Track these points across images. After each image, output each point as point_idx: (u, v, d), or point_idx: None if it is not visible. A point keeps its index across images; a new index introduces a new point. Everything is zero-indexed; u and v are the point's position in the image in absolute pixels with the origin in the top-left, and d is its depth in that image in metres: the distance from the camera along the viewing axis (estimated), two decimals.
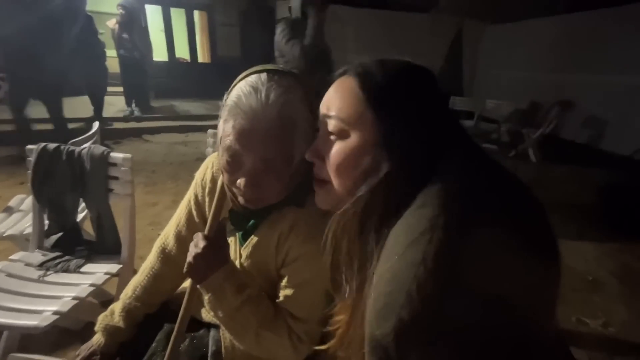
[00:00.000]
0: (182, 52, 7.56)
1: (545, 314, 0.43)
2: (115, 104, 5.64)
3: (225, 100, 0.59)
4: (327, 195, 0.55)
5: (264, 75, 0.57)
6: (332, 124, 0.51)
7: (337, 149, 0.50)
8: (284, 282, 0.69)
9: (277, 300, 0.69)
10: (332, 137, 0.52)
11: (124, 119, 5.10)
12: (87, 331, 1.49)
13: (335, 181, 0.52)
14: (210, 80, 7.10)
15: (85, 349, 0.77)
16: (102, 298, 1.58)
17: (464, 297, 0.37)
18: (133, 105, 5.35)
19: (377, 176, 0.46)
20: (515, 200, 0.45)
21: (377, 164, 0.46)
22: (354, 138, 0.49)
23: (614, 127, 4.55)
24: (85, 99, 4.86)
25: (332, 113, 0.51)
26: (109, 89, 5.07)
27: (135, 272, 1.48)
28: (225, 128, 0.57)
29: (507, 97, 5.25)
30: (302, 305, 0.67)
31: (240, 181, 0.59)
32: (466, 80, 6.75)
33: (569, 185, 3.64)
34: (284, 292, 0.68)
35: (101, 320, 0.78)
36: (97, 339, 0.77)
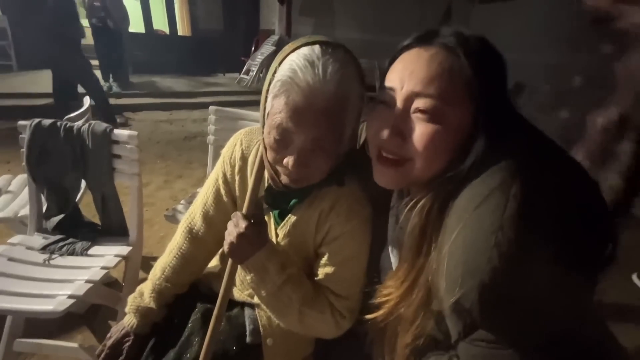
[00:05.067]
0: (160, 24, 7.11)
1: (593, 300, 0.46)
2: None
3: (273, 73, 0.56)
4: (403, 175, 0.53)
5: (317, 48, 0.54)
6: (425, 103, 0.48)
7: (432, 130, 0.48)
8: (324, 260, 0.69)
9: (316, 278, 0.70)
10: (419, 115, 0.49)
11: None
12: (90, 314, 1.47)
13: (422, 162, 0.50)
14: (192, 56, 6.77)
15: (116, 331, 0.75)
16: (104, 280, 1.54)
17: (538, 263, 0.39)
18: (111, 80, 5.03)
19: (476, 152, 0.46)
20: (573, 172, 0.47)
21: (470, 143, 0.46)
22: (451, 117, 0.48)
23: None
24: None
25: (428, 91, 0.48)
26: None
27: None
28: (276, 104, 0.54)
29: None
30: (344, 283, 0.68)
31: (288, 160, 0.57)
32: None
33: None
34: (324, 270, 0.69)
35: (131, 301, 0.76)
36: (129, 320, 0.75)
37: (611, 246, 0.44)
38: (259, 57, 5.88)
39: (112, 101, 4.68)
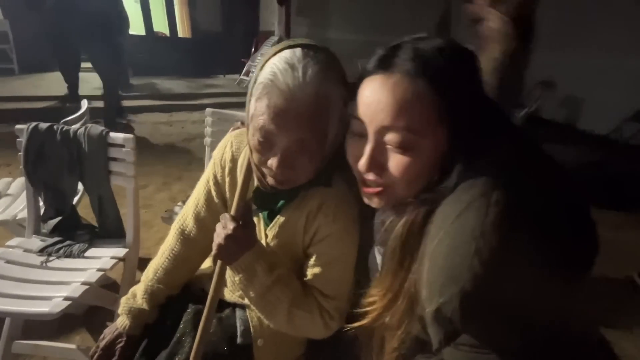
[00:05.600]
0: (160, 26, 7.13)
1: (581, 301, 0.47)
2: (90, 81, 5.28)
3: (256, 77, 0.57)
4: (388, 198, 0.54)
5: (298, 51, 0.55)
6: (396, 137, 0.47)
7: (407, 161, 0.48)
8: (312, 260, 0.69)
9: (305, 279, 0.70)
10: (391, 147, 0.49)
11: (102, 97, 4.82)
12: (89, 316, 1.48)
13: (402, 187, 0.51)
14: (192, 57, 6.79)
15: (109, 332, 0.76)
16: (102, 282, 1.55)
17: (519, 269, 0.40)
18: None
19: (457, 174, 0.46)
20: (556, 177, 0.47)
21: (447, 165, 0.47)
22: (424, 145, 0.47)
23: (591, 107, 4.73)
24: (58, 75, 4.56)
25: (397, 124, 0.47)
26: (82, 64, 4.75)
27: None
28: (258, 107, 0.55)
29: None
30: (332, 283, 0.69)
31: (272, 162, 0.57)
32: None
33: None
34: (312, 271, 0.69)
35: (124, 303, 0.77)
36: (122, 321, 0.76)
37: (594, 250, 0.45)
38: (259, 58, 5.88)
39: None
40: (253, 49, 6.42)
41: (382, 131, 0.49)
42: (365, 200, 0.57)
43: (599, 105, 4.60)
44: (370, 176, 0.52)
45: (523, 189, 0.42)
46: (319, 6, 5.84)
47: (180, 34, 7.33)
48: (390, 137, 0.48)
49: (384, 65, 0.50)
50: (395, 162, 0.49)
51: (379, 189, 0.53)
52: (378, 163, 0.51)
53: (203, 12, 7.17)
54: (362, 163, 0.52)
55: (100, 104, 4.59)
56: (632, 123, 4.21)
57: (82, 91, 4.64)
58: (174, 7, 7.04)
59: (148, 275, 0.80)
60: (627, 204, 2.81)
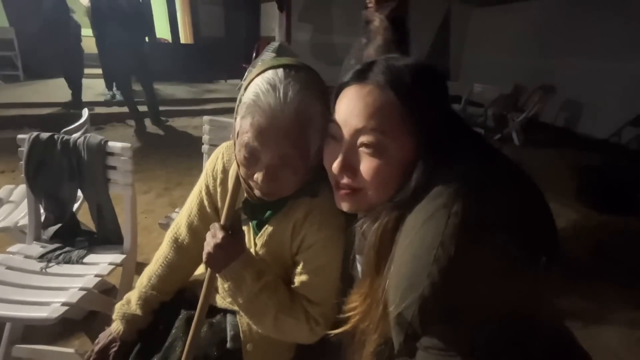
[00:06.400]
0: (163, 32, 7.23)
1: (546, 301, 0.49)
2: (94, 87, 5.40)
3: (241, 96, 0.60)
4: (359, 202, 0.57)
5: (280, 72, 0.58)
6: (369, 138, 0.51)
7: (377, 164, 0.51)
8: (299, 268, 0.72)
9: (292, 286, 0.73)
10: (364, 149, 0.52)
11: (106, 104, 4.90)
12: (88, 320, 1.50)
13: (373, 191, 0.53)
14: (194, 63, 6.86)
15: (104, 337, 0.79)
16: (102, 287, 1.59)
17: (477, 276, 0.42)
18: (114, 88, 5.12)
19: (416, 179, 0.48)
20: (517, 184, 0.49)
21: (414, 167, 0.49)
22: (394, 150, 0.50)
23: (591, 111, 4.73)
24: (63, 81, 4.64)
25: (369, 126, 0.51)
26: (87, 71, 4.82)
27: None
28: (243, 124, 0.58)
29: (493, 81, 5.34)
30: (318, 289, 0.71)
31: (258, 175, 0.60)
32: (453, 64, 6.80)
33: (548, 167, 3.80)
34: (299, 278, 0.72)
35: (118, 309, 0.80)
36: (116, 327, 0.78)
37: (555, 253, 0.47)
38: (260, 63, 5.94)
39: (115, 109, 4.78)
40: (254, 55, 6.49)
41: (355, 134, 0.53)
42: (338, 204, 0.60)
43: (599, 109, 4.60)
44: (344, 179, 0.56)
45: (483, 199, 0.44)
46: (320, 11, 5.91)
47: (183, 40, 7.42)
48: (363, 139, 0.52)
49: (360, 77, 0.54)
50: (367, 165, 0.52)
51: (350, 190, 0.56)
52: (350, 166, 0.54)
53: (205, 18, 7.26)
54: (335, 165, 0.55)
55: (101, 109, 4.68)
56: (631, 127, 4.21)
57: (86, 97, 4.72)
58: (176, 13, 7.14)
59: (142, 282, 0.83)
60: (626, 208, 2.82)
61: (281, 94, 0.55)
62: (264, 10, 6.83)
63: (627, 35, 4.18)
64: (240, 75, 6.42)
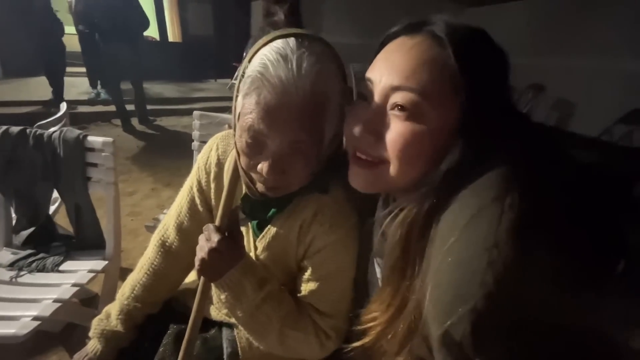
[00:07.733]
0: (151, 30, 7.03)
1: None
2: (77, 86, 5.20)
3: (244, 70, 0.50)
4: (377, 179, 0.48)
5: (292, 41, 0.48)
6: (404, 97, 0.42)
7: (409, 130, 0.43)
8: (307, 274, 0.63)
9: (299, 295, 0.64)
10: (396, 112, 0.44)
11: (90, 102, 4.71)
12: (66, 333, 1.38)
13: (396, 165, 0.45)
14: (183, 61, 6.71)
15: (79, 358, 0.68)
16: (82, 296, 1.46)
17: (541, 283, 0.34)
18: (99, 87, 4.94)
19: (450, 160, 0.40)
20: (577, 177, 0.42)
21: (450, 149, 0.41)
22: (432, 118, 0.42)
23: (582, 109, 4.79)
24: (44, 79, 4.44)
25: (407, 84, 0.42)
26: (69, 69, 4.63)
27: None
28: (246, 104, 0.48)
29: None
30: (328, 299, 0.62)
31: (262, 166, 0.51)
32: None
33: None
34: (307, 286, 0.63)
35: (96, 325, 0.70)
36: (93, 346, 0.68)
37: (622, 259, 0.39)
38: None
39: (100, 108, 4.61)
40: (245, 54, 6.38)
41: (389, 92, 0.44)
42: (351, 180, 0.51)
43: (590, 108, 4.66)
44: (364, 143, 0.47)
45: (541, 190, 0.37)
46: (311, 10, 5.84)
47: (171, 38, 7.26)
48: (397, 99, 0.43)
49: (409, 29, 0.47)
50: (396, 130, 0.44)
51: (370, 159, 0.47)
52: (375, 129, 0.46)
53: (194, 16, 7.11)
54: (358, 126, 0.46)
55: (85, 108, 4.51)
56: (622, 125, 4.26)
57: (67, 95, 4.54)
58: (164, 11, 6.97)
59: (124, 293, 0.72)
60: (618, 205, 2.82)
61: (294, 66, 0.46)
62: (255, 8, 6.73)
63: (617, 34, 4.24)
64: (230, 74, 6.29)
